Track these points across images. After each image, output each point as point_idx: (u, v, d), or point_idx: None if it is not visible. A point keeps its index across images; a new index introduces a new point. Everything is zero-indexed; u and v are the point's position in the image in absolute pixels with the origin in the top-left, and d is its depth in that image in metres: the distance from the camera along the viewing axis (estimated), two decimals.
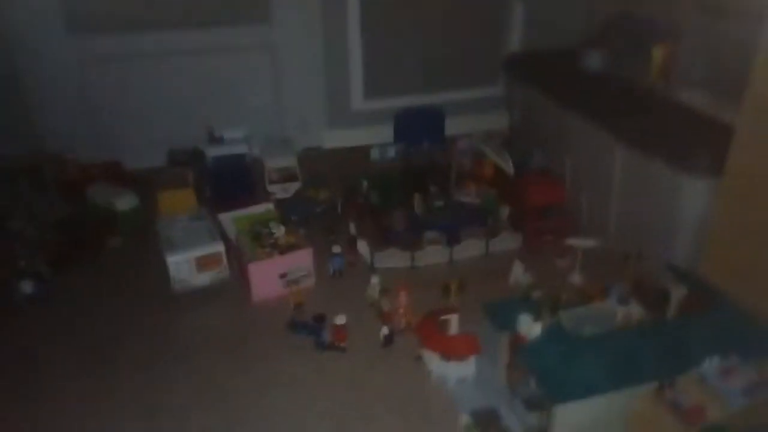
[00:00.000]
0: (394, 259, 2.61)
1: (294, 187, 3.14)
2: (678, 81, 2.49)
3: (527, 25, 3.70)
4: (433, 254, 2.64)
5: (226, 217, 2.67)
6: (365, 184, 2.97)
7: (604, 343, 1.73)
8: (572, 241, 2.49)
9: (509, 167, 2.87)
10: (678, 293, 1.96)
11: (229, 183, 2.96)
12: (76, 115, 3.29)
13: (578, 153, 2.77)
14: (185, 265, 2.36)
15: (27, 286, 2.33)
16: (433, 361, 2.00)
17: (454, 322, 2.06)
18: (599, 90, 2.76)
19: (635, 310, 1.98)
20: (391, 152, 2.99)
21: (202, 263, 2.39)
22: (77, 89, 3.24)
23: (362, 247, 2.67)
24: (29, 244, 2.60)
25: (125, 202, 2.79)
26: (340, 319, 2.12)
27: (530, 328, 1.76)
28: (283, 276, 2.41)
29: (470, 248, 2.67)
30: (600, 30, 3.03)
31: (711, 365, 1.63)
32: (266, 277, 2.38)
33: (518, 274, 2.46)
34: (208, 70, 3.41)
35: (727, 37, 2.22)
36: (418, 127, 3.25)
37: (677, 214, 2.19)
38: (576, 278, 2.46)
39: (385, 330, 2.15)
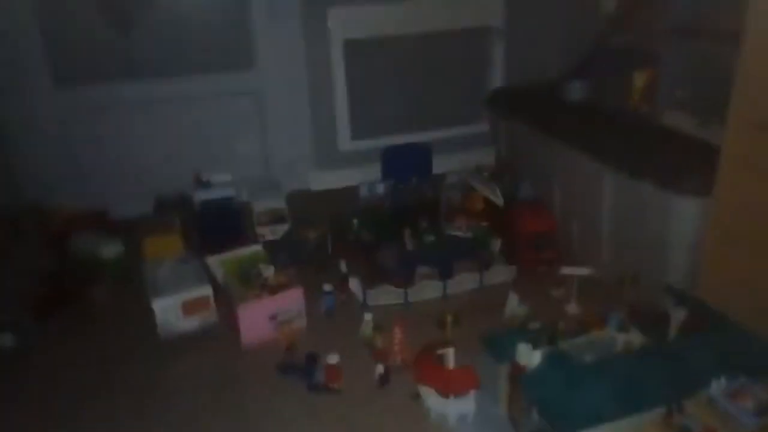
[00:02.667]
0: (386, 295, 2.55)
1: (283, 228, 3.10)
2: (661, 104, 2.52)
3: (508, 61, 3.78)
4: (426, 289, 2.59)
5: (214, 260, 2.62)
6: (355, 222, 2.94)
7: (607, 369, 1.67)
8: (566, 270, 2.46)
9: (498, 199, 2.86)
10: (677, 315, 1.91)
11: (218, 227, 2.92)
12: (62, 165, 3.27)
13: (567, 181, 2.77)
14: (172, 310, 2.29)
15: (7, 339, 2.25)
16: (432, 399, 1.92)
17: (450, 355, 1.98)
18: (583, 118, 2.79)
19: (636, 337, 1.93)
20: (380, 189, 2.98)
21: (190, 307, 2.32)
22: (63, 139, 3.24)
23: (354, 285, 2.61)
24: (10, 296, 2.52)
25: (110, 250, 2.74)
26: (333, 359, 2.04)
27: (529, 357, 1.70)
28: (273, 318, 2.34)
29: (464, 282, 2.62)
30: (579, 61, 3.09)
31: (719, 387, 1.57)
32: (256, 320, 2.31)
33: (513, 305, 2.41)
34: (194, 117, 3.43)
35: (705, 58, 2.26)
36: (406, 163, 3.26)
37: (669, 236, 2.17)
38: (572, 307, 2.41)
39: (380, 368, 2.07)
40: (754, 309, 1.84)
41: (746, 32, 1.80)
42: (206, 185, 3.08)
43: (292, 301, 2.38)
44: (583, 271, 2.44)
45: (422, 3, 3.52)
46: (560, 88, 3.03)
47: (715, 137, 2.02)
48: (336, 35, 3.44)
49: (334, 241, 2.92)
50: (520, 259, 2.67)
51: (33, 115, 3.15)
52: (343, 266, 2.71)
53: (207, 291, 2.35)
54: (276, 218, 3.13)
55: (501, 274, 2.67)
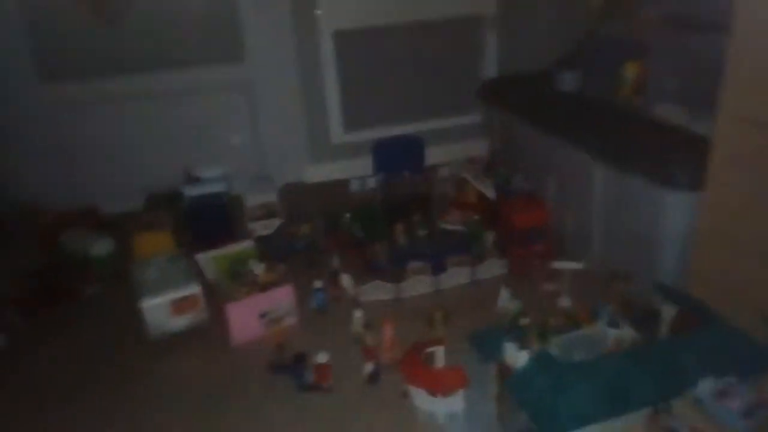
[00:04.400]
0: (378, 291, 2.54)
1: (275, 223, 3.08)
2: (652, 96, 2.48)
3: (501, 51, 3.73)
4: (418, 284, 2.57)
5: (204, 257, 2.60)
6: (347, 216, 2.92)
7: (593, 369, 1.66)
8: (558, 264, 2.44)
9: (490, 192, 2.84)
10: (668, 313, 1.90)
11: (208, 222, 2.90)
12: (50, 162, 3.24)
13: (559, 174, 2.74)
14: (161, 309, 2.28)
15: None
16: (420, 398, 1.92)
17: (439, 354, 1.98)
18: (575, 110, 2.75)
19: (627, 334, 1.92)
20: (371, 183, 2.96)
21: (179, 306, 2.31)
22: (51, 137, 3.21)
23: (346, 280, 2.60)
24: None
25: (100, 247, 2.72)
26: (322, 358, 2.04)
27: (516, 357, 1.69)
28: (263, 315, 2.33)
29: (456, 276, 2.61)
30: (571, 51, 3.05)
31: (706, 387, 1.56)
32: (245, 318, 2.30)
33: (505, 300, 2.40)
34: (184, 112, 3.39)
35: (697, 51, 2.22)
36: (398, 156, 3.23)
37: (661, 230, 2.15)
38: (564, 302, 2.40)
39: (369, 367, 2.06)
40: (743, 306, 1.83)
41: (735, 25, 1.76)
42: (196, 180, 3.06)
43: (282, 298, 2.37)
44: (574, 265, 2.42)
45: None
46: (552, 78, 3.00)
47: (708, 130, 1.99)
48: (325, 26, 3.40)
49: (326, 237, 2.90)
50: (513, 253, 2.65)
51: (19, 112, 3.12)
52: (334, 262, 2.70)
53: (196, 290, 2.34)
54: (268, 213, 3.11)
55: (494, 268, 2.65)
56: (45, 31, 3.06)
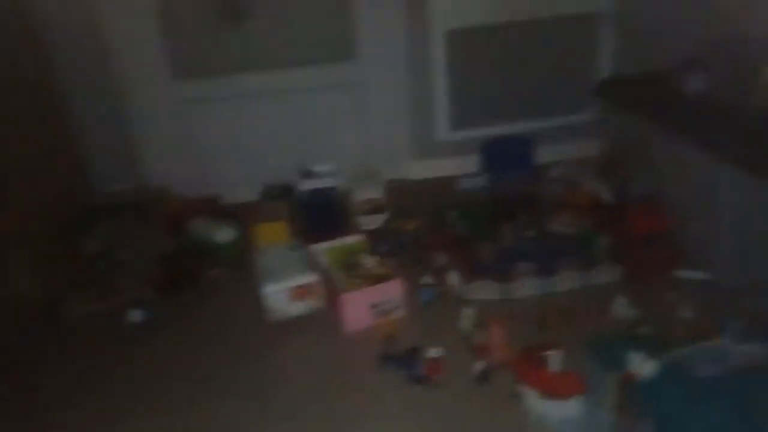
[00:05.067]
0: (485, 290, 2.54)
1: (381, 218, 3.16)
2: None
3: (617, 50, 3.59)
4: (526, 286, 2.55)
5: (319, 248, 2.72)
6: (453, 214, 2.94)
7: (727, 385, 1.58)
8: (680, 273, 2.33)
9: (605, 194, 2.75)
10: None
11: (321, 215, 3.03)
12: (178, 153, 3.51)
13: (681, 179, 2.60)
14: (281, 295, 2.42)
15: (135, 315, 2.47)
16: (533, 400, 1.91)
17: (555, 358, 1.95)
18: (701, 113, 2.60)
19: (755, 350, 1.80)
20: (480, 182, 2.95)
21: (297, 293, 2.44)
22: (179, 129, 3.47)
23: (452, 278, 2.62)
24: (136, 275, 2.76)
25: (224, 234, 2.92)
26: (435, 352, 2.08)
27: (643, 366, 1.64)
28: (374, 307, 2.41)
29: (566, 280, 2.55)
30: (700, 51, 2.87)
31: None
32: (358, 308, 2.38)
33: (621, 308, 2.32)
34: (298, 108, 3.54)
35: None
36: (507, 155, 3.20)
37: None
38: (686, 313, 2.28)
39: (480, 364, 2.08)
40: None
41: None
42: (310, 175, 3.20)
43: (392, 291, 2.43)
44: (698, 275, 2.30)
45: None
46: (676, 78, 2.84)
47: None
48: (437, 24, 3.42)
49: (431, 233, 2.93)
50: (629, 260, 2.56)
51: (154, 106, 3.40)
52: (440, 258, 2.73)
53: (314, 278, 2.46)
54: (375, 208, 3.20)
55: (607, 274, 2.57)
56: (176, 31, 3.30)
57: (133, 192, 3.29)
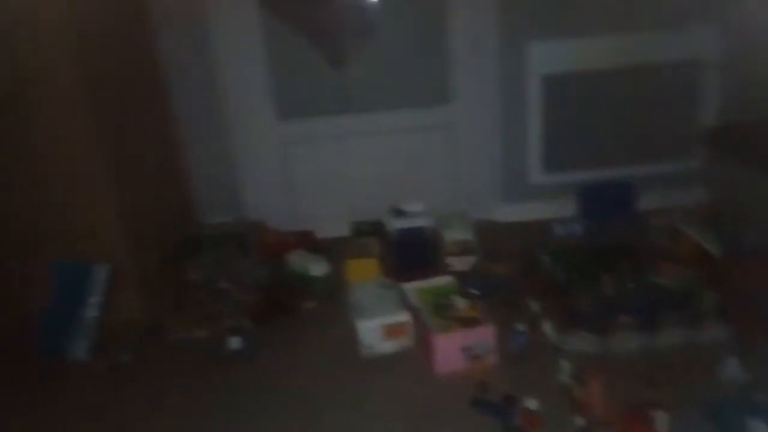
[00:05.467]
0: (583, 342, 2.45)
1: (471, 260, 3.15)
2: None
3: (725, 95, 3.44)
4: (627, 340, 2.43)
5: (409, 287, 2.74)
6: (547, 260, 2.88)
7: None
8: None
9: (713, 247, 2.61)
10: None
11: (411, 254, 3.06)
12: (276, 189, 3.68)
13: None
14: (374, 332, 2.44)
15: (235, 342, 2.57)
16: None
17: (663, 419, 1.85)
18: None
19: None
20: (577, 228, 2.88)
21: (389, 331, 2.46)
22: (278, 166, 3.65)
23: (546, 326, 2.55)
24: (235, 304, 2.89)
25: (319, 268, 3.01)
26: (533, 404, 2.01)
27: None
28: (465, 350, 2.38)
29: (670, 336, 2.42)
30: None
31: None
32: (449, 350, 2.37)
33: (732, 370, 2.17)
34: (391, 148, 3.64)
35: None
36: (607, 201, 3.10)
37: None
38: None
39: (580, 421, 1.99)
40: None
41: None
42: (401, 214, 3.25)
43: (484, 335, 2.40)
44: None
45: (627, 36, 3.37)
46: None
47: None
48: (534, 69, 3.44)
49: (524, 278, 2.88)
50: (740, 318, 2.39)
51: (257, 144, 3.60)
52: (533, 305, 2.67)
53: (406, 317, 2.47)
54: (464, 249, 3.19)
55: (715, 332, 2.41)
56: (283, 75, 3.51)
57: (232, 224, 3.47)
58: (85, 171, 2.62)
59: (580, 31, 3.36)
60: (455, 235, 3.22)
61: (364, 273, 2.93)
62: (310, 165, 3.66)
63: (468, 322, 2.45)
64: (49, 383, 2.52)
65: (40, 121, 2.54)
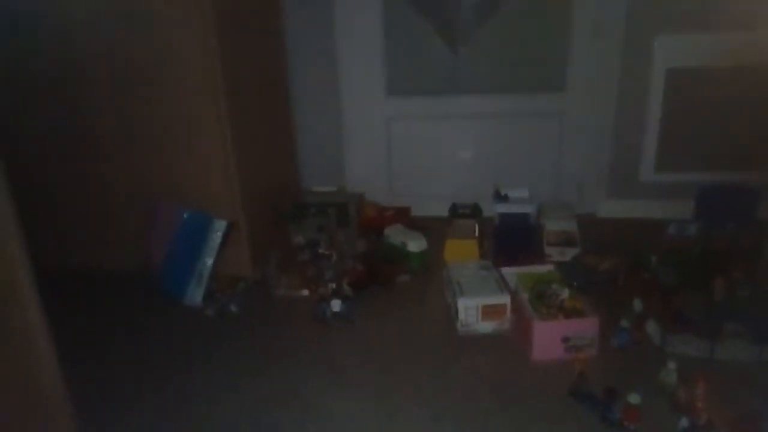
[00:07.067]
0: (688, 346, 2.37)
1: (572, 252, 3.10)
2: None
3: None
4: (736, 349, 2.33)
5: (509, 272, 2.75)
6: (653, 259, 2.80)
7: None
8: None
9: None
10: None
11: (512, 240, 3.06)
12: (377, 163, 3.77)
13: None
14: (472, 311, 2.48)
15: (336, 305, 2.69)
16: None
17: None
18: None
19: None
20: (691, 229, 2.76)
21: (487, 312, 2.49)
22: (382, 141, 3.73)
23: (650, 326, 2.48)
24: (337, 270, 3.01)
25: (416, 244, 3.07)
26: (635, 399, 1.98)
27: None
28: (565, 340, 2.37)
29: None
30: None
31: None
32: (549, 338, 2.36)
33: None
34: (497, 132, 3.63)
35: None
36: (726, 205, 2.95)
37: None
38: None
39: (684, 422, 1.94)
40: None
41: None
42: (504, 198, 3.24)
43: (586, 328, 2.37)
44: None
45: (754, 34, 3.15)
46: None
47: None
48: (658, 63, 3.29)
49: (629, 276, 2.81)
50: None
51: (365, 119, 3.69)
52: (637, 304, 2.60)
53: (506, 299, 2.49)
54: (565, 240, 3.14)
55: None
56: (397, 49, 3.56)
57: (335, 194, 3.60)
58: (215, 148, 2.88)
59: (706, 27, 3.18)
60: (557, 225, 3.19)
61: (462, 254, 2.96)
62: (412, 142, 3.71)
63: (569, 313, 2.42)
64: (165, 323, 2.75)
65: (174, 103, 2.83)
